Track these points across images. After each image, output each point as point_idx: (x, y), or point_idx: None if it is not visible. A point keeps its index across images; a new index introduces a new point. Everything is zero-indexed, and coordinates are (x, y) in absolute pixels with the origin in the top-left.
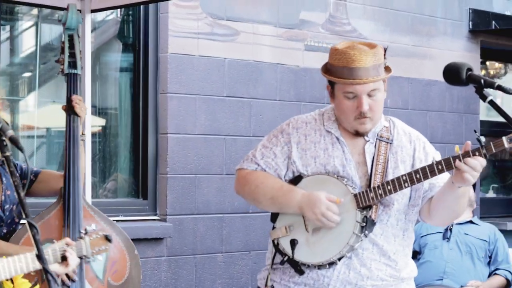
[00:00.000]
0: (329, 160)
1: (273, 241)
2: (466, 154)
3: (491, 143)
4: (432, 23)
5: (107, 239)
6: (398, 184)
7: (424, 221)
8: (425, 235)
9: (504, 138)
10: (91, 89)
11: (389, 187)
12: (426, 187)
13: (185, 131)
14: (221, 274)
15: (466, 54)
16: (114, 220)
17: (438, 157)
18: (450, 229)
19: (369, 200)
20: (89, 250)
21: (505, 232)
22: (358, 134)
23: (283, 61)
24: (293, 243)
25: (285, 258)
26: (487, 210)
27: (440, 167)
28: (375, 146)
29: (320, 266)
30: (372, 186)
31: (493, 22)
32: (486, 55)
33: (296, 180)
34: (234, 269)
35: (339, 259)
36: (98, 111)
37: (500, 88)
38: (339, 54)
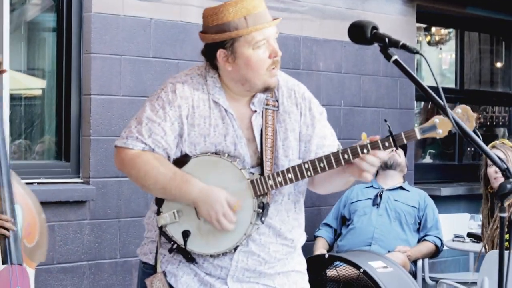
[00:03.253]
0: (220, 139)
1: (159, 227)
2: (374, 144)
3: (402, 133)
4: None
5: None
6: (300, 172)
7: (309, 188)
8: (355, 201)
9: (416, 130)
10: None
11: (289, 176)
12: (312, 156)
13: (110, 92)
14: None
15: (402, 18)
16: (35, 183)
17: (323, 117)
18: (380, 195)
19: (267, 188)
20: None
21: (439, 198)
22: (266, 90)
23: None
24: (186, 234)
25: (174, 246)
26: (422, 175)
27: (346, 156)
28: (262, 116)
29: (213, 256)
30: (264, 163)
31: None
32: (423, 19)
33: (183, 159)
34: None
35: (235, 248)
36: (25, 71)
37: (404, 47)
38: (231, 6)
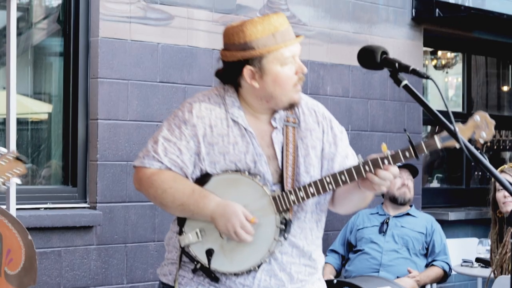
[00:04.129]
0: (240, 156)
1: (182, 248)
2: (395, 155)
3: (423, 143)
4: (374, 10)
5: (19, 159)
6: (321, 186)
7: (329, 208)
8: (361, 228)
9: (436, 138)
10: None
11: (311, 190)
12: None
13: (117, 117)
14: (153, 263)
15: (409, 42)
16: (42, 208)
17: (344, 136)
18: (387, 223)
19: (290, 203)
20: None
21: (446, 223)
22: (291, 107)
23: (218, 47)
24: (210, 253)
25: (198, 266)
26: (429, 200)
27: (367, 168)
28: (282, 133)
29: (237, 274)
30: (285, 180)
31: (437, 9)
32: (430, 43)
33: (203, 178)
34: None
35: (259, 266)
36: (31, 96)
37: (414, 72)
38: (258, 24)
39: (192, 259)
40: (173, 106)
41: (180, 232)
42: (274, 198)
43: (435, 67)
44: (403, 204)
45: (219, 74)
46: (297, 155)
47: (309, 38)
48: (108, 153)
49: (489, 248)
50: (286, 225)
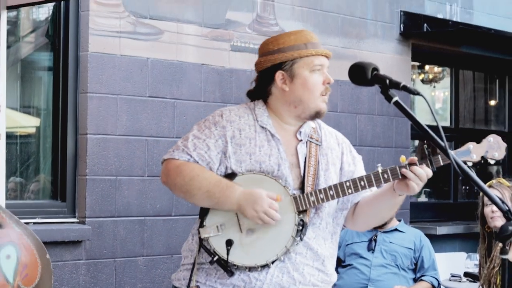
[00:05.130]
0: (264, 158)
1: (201, 239)
2: (412, 165)
3: (439, 156)
4: (362, 25)
5: None
6: (341, 190)
7: (345, 225)
8: (350, 244)
9: (451, 153)
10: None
11: (331, 192)
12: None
13: (106, 131)
14: (142, 278)
15: (397, 56)
16: (31, 223)
17: (361, 161)
18: (375, 240)
19: (309, 204)
20: None
21: (434, 237)
22: (316, 116)
23: (208, 62)
24: (229, 243)
25: (215, 258)
26: (417, 214)
27: (386, 176)
28: (306, 146)
29: (251, 268)
30: (306, 188)
31: (425, 24)
32: (418, 58)
33: (229, 177)
34: (155, 273)
35: (273, 262)
36: (20, 110)
37: (405, 88)
38: (292, 34)
39: (210, 252)
40: (162, 121)
41: (201, 225)
42: (295, 198)
43: (423, 81)
44: (382, 225)
45: (250, 93)
46: (318, 168)
47: None
48: (97, 167)
49: (477, 262)
50: (303, 226)
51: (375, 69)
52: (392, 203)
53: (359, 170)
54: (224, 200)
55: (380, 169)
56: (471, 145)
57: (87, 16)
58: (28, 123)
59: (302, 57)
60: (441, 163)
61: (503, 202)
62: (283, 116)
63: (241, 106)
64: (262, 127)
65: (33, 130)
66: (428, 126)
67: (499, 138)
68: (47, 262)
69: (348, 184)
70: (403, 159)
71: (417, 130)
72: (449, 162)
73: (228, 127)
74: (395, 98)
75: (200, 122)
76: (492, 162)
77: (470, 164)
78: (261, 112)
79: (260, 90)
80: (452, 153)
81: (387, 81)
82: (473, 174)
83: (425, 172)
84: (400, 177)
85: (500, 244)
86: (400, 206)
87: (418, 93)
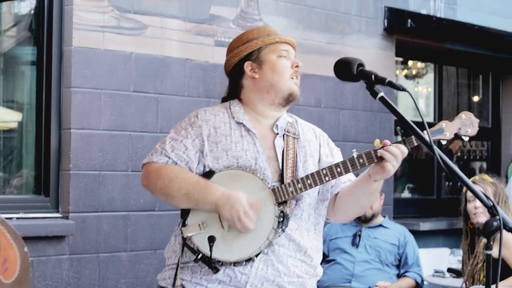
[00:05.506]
0: (241, 153)
1: (184, 238)
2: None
3: (413, 136)
4: (346, 20)
5: None
6: (318, 178)
7: (328, 218)
8: (334, 239)
9: (425, 133)
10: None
11: (309, 181)
12: (333, 182)
13: (90, 126)
14: (125, 274)
15: (381, 52)
16: (14, 217)
17: (339, 153)
18: (359, 235)
19: (288, 194)
20: None
21: (418, 233)
22: (289, 99)
23: (192, 57)
24: (211, 239)
25: (199, 256)
26: (401, 210)
27: (361, 160)
28: (283, 140)
29: (236, 263)
30: (285, 181)
31: (409, 20)
32: (402, 54)
33: (207, 175)
34: (139, 268)
35: (257, 255)
36: (3, 105)
37: (390, 84)
38: (255, 29)
39: (194, 251)
40: (146, 116)
41: (184, 224)
42: (273, 190)
43: (406, 76)
44: (366, 220)
45: (224, 99)
46: (296, 160)
47: None
48: (81, 162)
49: (460, 258)
50: (284, 217)
51: (361, 64)
52: (369, 190)
53: (337, 161)
54: (202, 200)
55: (355, 154)
56: (443, 123)
57: (71, 11)
58: (11, 118)
59: (267, 44)
60: (415, 143)
61: (487, 197)
62: (257, 106)
63: (217, 106)
64: (238, 123)
65: (16, 125)
66: (412, 121)
67: (471, 115)
68: (25, 255)
69: (324, 171)
70: (377, 142)
71: (404, 127)
72: (424, 142)
73: (204, 126)
74: (381, 94)
75: (177, 124)
76: (465, 138)
77: (444, 142)
78: (236, 109)
79: (232, 89)
80: (437, 149)
81: (373, 76)
82: (457, 169)
83: (400, 150)
84: (375, 160)
85: (484, 240)
86: (378, 193)
87: (403, 89)
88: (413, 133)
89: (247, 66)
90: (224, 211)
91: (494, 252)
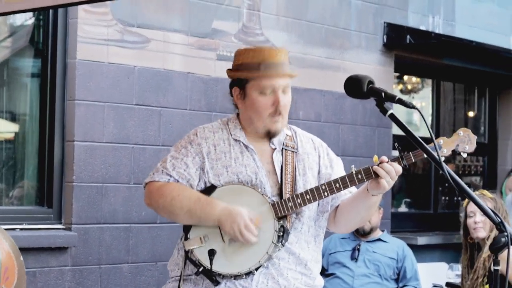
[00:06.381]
0: (241, 169)
1: (186, 251)
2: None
3: (411, 153)
4: (346, 35)
5: None
6: (317, 193)
7: (329, 228)
8: (333, 253)
9: (445, 166)
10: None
11: (307, 197)
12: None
13: (93, 139)
14: (126, 285)
15: (380, 67)
16: (17, 229)
17: (339, 163)
18: (358, 249)
19: (287, 209)
20: None
21: (415, 247)
22: (268, 135)
23: (194, 70)
24: (212, 253)
25: (200, 269)
26: (398, 224)
27: (360, 176)
28: (282, 154)
29: (236, 276)
30: (284, 195)
31: (408, 36)
32: (401, 69)
33: (208, 190)
34: (140, 279)
35: (257, 269)
36: (5, 117)
37: (400, 101)
38: (252, 51)
39: (195, 263)
40: (148, 129)
41: (186, 238)
42: (273, 205)
43: (401, 91)
44: (365, 234)
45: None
46: (295, 174)
47: None
48: (84, 174)
49: (458, 273)
50: (284, 232)
51: (371, 82)
52: (367, 204)
53: (337, 172)
54: (205, 217)
55: (354, 170)
56: (441, 139)
57: (76, 24)
58: (15, 129)
59: (251, 79)
60: (413, 160)
61: (495, 214)
62: (250, 127)
63: (215, 123)
64: (236, 140)
65: (20, 137)
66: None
67: (469, 132)
68: (21, 264)
69: (323, 187)
70: (375, 158)
71: (400, 142)
72: (422, 157)
73: (204, 144)
74: (390, 111)
75: (177, 143)
76: (464, 155)
77: (442, 159)
78: (233, 126)
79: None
80: (446, 166)
81: (383, 94)
82: (465, 185)
83: (394, 168)
84: (373, 176)
85: (484, 255)
86: (377, 206)
87: (413, 106)
88: (422, 149)
89: (235, 91)
90: (226, 226)
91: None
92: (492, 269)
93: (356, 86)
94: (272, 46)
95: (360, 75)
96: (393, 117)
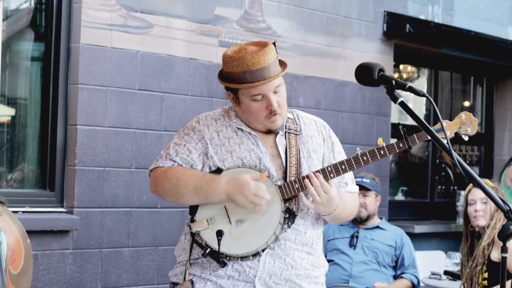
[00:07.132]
0: (245, 153)
1: (192, 234)
2: (390, 146)
3: (415, 135)
4: (347, 24)
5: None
6: (323, 175)
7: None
8: (332, 239)
9: (455, 154)
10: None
11: None
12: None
13: (95, 123)
14: (127, 269)
15: (379, 56)
16: (20, 211)
17: (339, 144)
18: (357, 236)
19: (294, 191)
20: None
21: (412, 235)
22: (269, 132)
23: (196, 56)
24: (220, 233)
25: (207, 251)
26: (395, 213)
27: (365, 158)
28: (285, 138)
29: (243, 258)
30: (289, 178)
31: (407, 25)
32: (400, 58)
33: (215, 172)
34: (140, 264)
35: (263, 250)
36: (8, 100)
37: (411, 89)
38: (235, 60)
39: (202, 246)
40: (150, 114)
41: (192, 220)
42: (280, 186)
43: None
44: (362, 221)
45: None
46: (299, 156)
47: (283, 49)
48: (86, 158)
49: (456, 261)
50: (290, 213)
51: (382, 70)
52: (329, 218)
53: (337, 156)
54: (211, 192)
55: (359, 152)
56: (444, 122)
57: (80, 8)
58: (18, 113)
59: (240, 88)
60: (417, 142)
61: (504, 202)
62: (247, 125)
63: (217, 110)
64: (238, 128)
65: (22, 120)
66: (406, 125)
67: (470, 115)
68: (29, 246)
69: (329, 169)
70: (380, 141)
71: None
72: (426, 140)
73: (206, 130)
74: (401, 99)
75: (180, 131)
76: (465, 138)
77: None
78: (235, 114)
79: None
80: (456, 155)
81: (393, 82)
82: (474, 173)
83: (319, 181)
84: (378, 157)
85: (483, 243)
86: (348, 207)
87: (423, 95)
88: (431, 137)
89: (229, 95)
90: (236, 195)
91: (494, 256)
92: (491, 257)
93: (367, 74)
94: (254, 48)
95: (371, 63)
96: (403, 105)
